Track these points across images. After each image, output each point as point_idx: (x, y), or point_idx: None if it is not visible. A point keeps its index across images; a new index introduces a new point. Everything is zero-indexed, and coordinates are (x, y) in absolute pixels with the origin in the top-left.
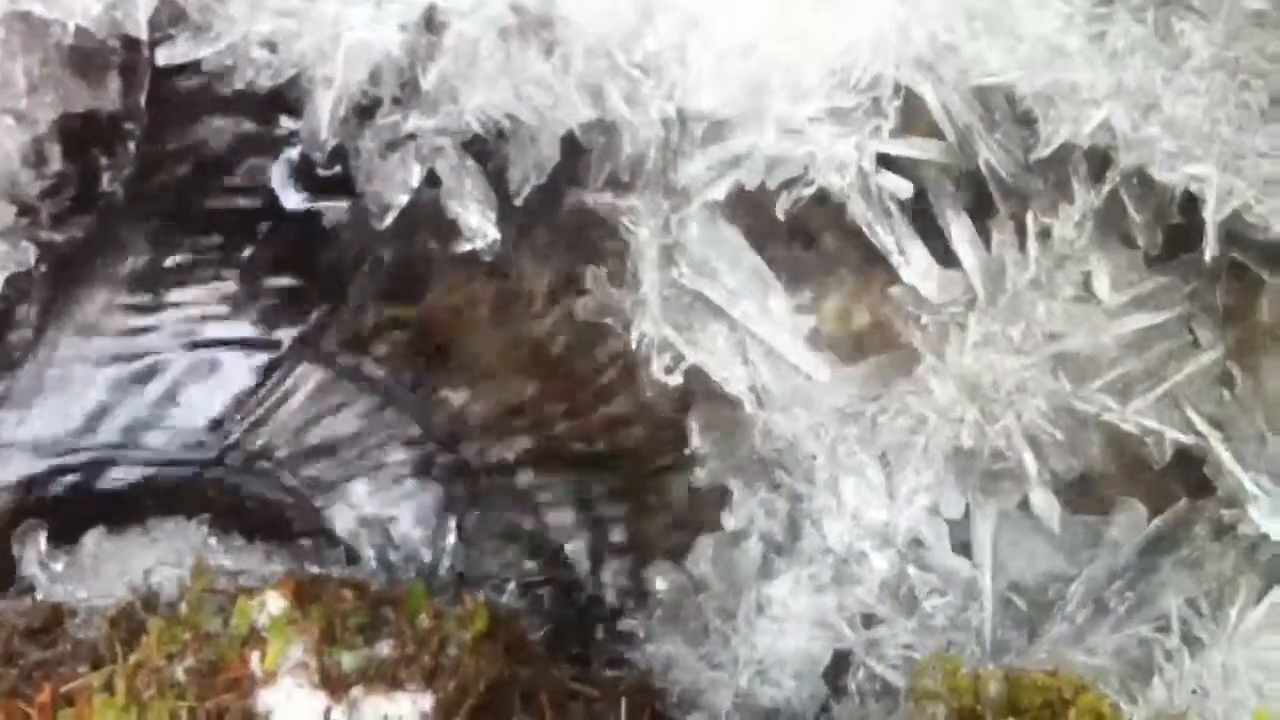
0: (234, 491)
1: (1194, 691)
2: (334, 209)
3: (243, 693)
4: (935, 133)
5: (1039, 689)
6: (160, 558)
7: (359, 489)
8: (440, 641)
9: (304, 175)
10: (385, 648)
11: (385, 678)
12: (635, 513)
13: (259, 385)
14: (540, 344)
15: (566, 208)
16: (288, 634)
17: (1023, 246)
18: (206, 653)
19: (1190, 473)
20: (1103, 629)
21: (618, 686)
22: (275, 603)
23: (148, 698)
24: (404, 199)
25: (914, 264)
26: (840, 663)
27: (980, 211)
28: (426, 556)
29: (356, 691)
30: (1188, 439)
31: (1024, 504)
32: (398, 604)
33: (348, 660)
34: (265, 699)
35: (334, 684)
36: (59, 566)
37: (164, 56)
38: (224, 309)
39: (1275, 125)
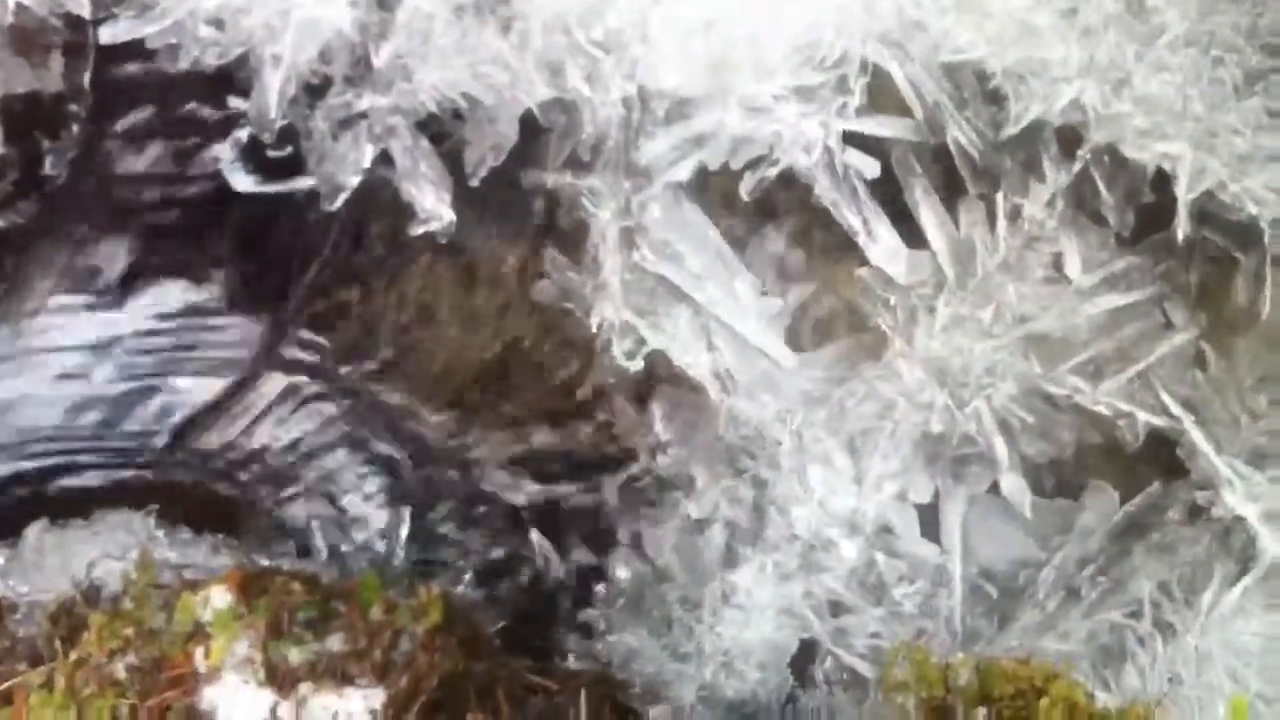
0: (182, 484)
1: (1169, 679)
2: (285, 191)
3: (186, 690)
4: (903, 110)
5: (1010, 678)
6: (104, 551)
7: (311, 480)
8: (392, 635)
9: (254, 157)
10: (335, 642)
11: (334, 673)
12: (596, 501)
13: (204, 376)
14: (498, 329)
15: (525, 189)
16: (233, 629)
17: (992, 227)
18: (149, 649)
19: (1163, 455)
20: (1074, 615)
21: (578, 679)
22: (220, 597)
23: (87, 695)
24: (355, 180)
25: (881, 245)
26: (807, 652)
27: (949, 191)
28: (380, 548)
29: (304, 687)
30: (1160, 421)
31: (994, 489)
32: (349, 597)
33: (295, 655)
34: (209, 696)
35: (281, 680)
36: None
37: (107, 35)
38: (170, 296)
39: (1249, 102)
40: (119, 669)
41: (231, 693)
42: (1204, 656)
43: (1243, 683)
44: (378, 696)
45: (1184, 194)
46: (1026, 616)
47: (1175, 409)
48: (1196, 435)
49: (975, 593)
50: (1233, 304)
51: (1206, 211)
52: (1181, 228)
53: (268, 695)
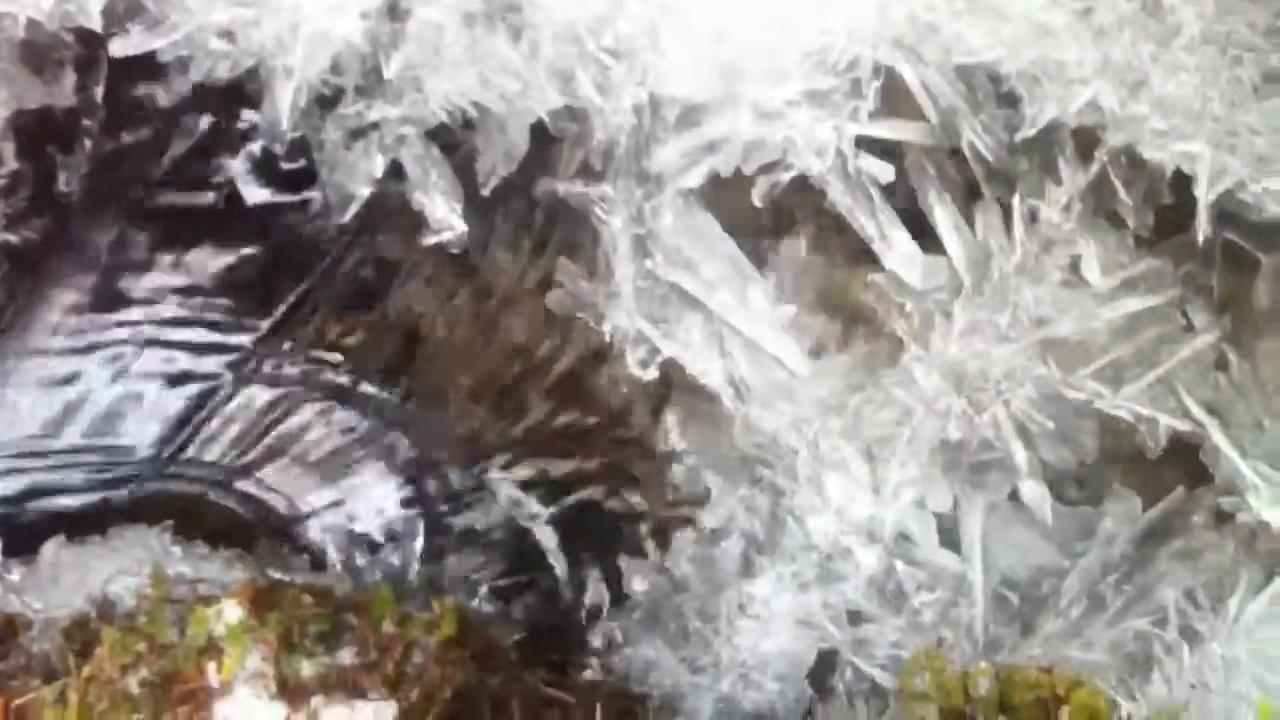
0: (197, 499)
1: (1193, 686)
2: (297, 202)
3: (198, 704)
4: (917, 114)
5: (1030, 686)
6: (121, 567)
7: (324, 493)
8: (405, 648)
9: (266, 168)
10: (347, 655)
11: (346, 686)
12: (612, 512)
13: (220, 389)
14: (510, 340)
15: (537, 198)
16: (245, 643)
17: (1009, 230)
18: (162, 664)
19: (1186, 461)
20: (1098, 623)
21: (594, 692)
22: (232, 611)
23: (100, 711)
24: (366, 190)
25: (896, 250)
26: (826, 663)
27: (964, 195)
28: (394, 560)
29: (316, 701)
30: (1183, 426)
31: (1014, 496)
32: (362, 610)
33: (307, 668)
34: (222, 710)
35: (292, 693)
36: (15, 577)
37: (119, 49)
38: (185, 310)
39: (1268, 101)
40: (132, 684)
41: (243, 707)
42: (1231, 664)
43: (1270, 690)
44: (389, 709)
45: (1204, 195)
46: (1050, 625)
47: (1198, 413)
48: (1220, 439)
49: (997, 601)
50: (1255, 306)
51: (1227, 212)
52: (1202, 229)
53: (280, 709)
